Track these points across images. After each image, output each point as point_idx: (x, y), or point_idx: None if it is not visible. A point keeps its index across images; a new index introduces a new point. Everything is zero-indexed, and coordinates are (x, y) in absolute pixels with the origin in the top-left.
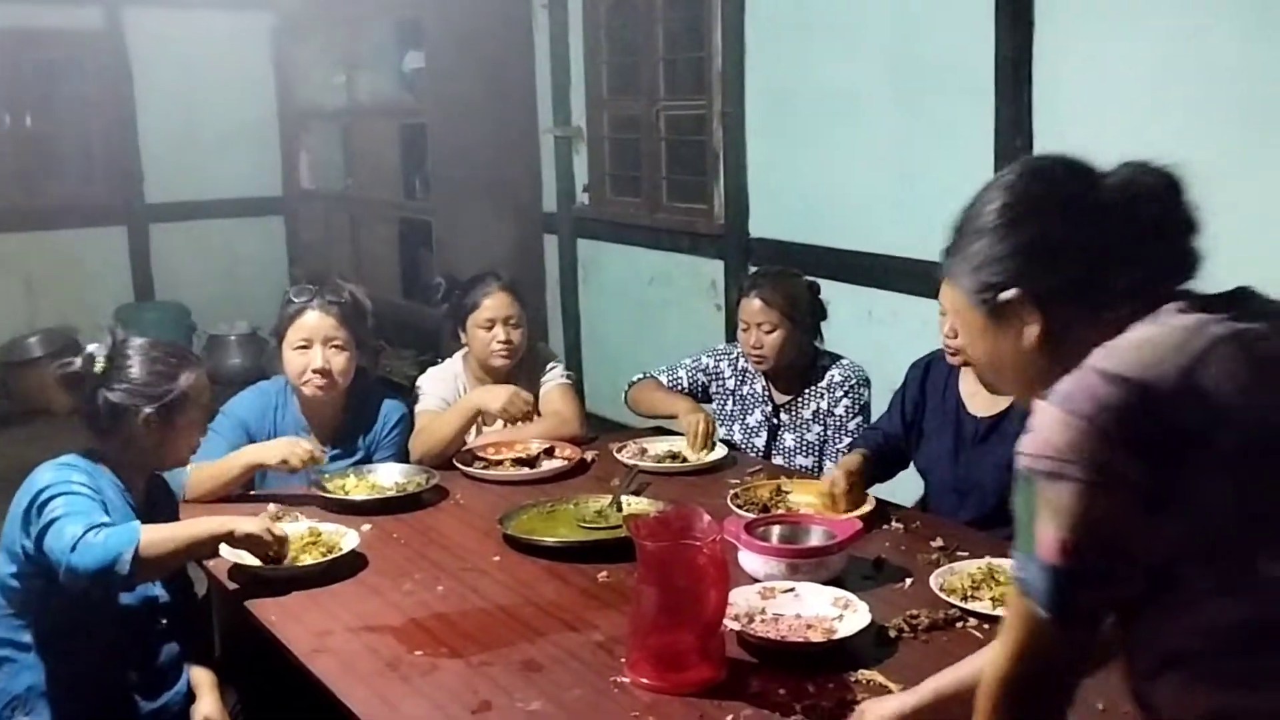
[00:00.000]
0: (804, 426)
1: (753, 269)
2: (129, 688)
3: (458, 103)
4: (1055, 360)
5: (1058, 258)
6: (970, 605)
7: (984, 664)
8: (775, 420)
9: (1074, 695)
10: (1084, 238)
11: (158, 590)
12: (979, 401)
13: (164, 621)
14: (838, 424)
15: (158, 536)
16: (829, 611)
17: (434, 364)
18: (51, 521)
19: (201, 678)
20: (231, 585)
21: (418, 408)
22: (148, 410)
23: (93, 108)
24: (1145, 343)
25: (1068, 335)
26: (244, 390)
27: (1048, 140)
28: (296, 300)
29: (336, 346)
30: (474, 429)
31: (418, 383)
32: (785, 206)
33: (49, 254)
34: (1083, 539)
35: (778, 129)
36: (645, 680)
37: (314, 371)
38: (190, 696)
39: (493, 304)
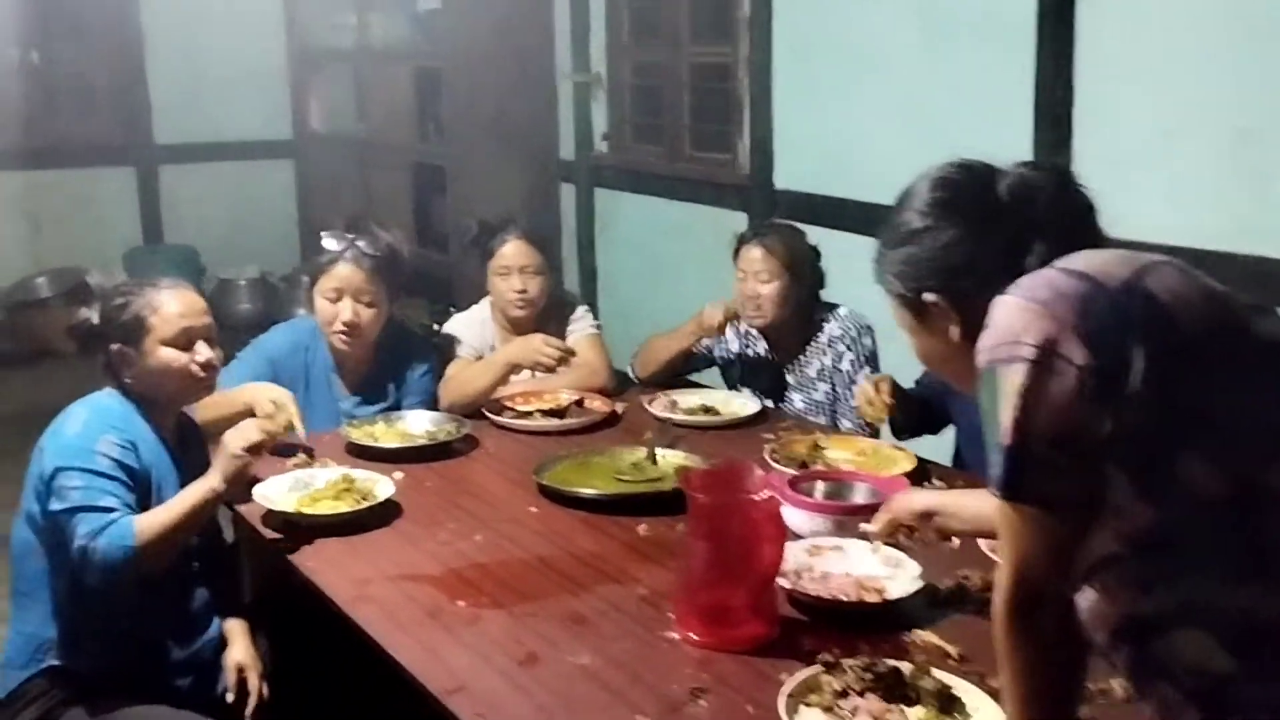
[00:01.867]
0: (810, 385)
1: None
2: (161, 633)
3: (473, 46)
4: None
5: (966, 260)
6: None
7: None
8: (781, 382)
9: (1072, 614)
10: (986, 238)
11: None
12: None
13: (196, 565)
14: (845, 379)
15: (153, 528)
16: (879, 570)
17: (446, 313)
18: (63, 511)
19: (233, 624)
20: (267, 533)
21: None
22: (115, 346)
23: (101, 45)
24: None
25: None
26: (274, 327)
27: (1089, 92)
28: (330, 248)
29: (366, 301)
30: None
31: (445, 327)
32: (812, 158)
33: (57, 193)
34: (1031, 418)
35: (805, 78)
36: (694, 636)
37: (342, 323)
38: (222, 643)
39: (510, 251)
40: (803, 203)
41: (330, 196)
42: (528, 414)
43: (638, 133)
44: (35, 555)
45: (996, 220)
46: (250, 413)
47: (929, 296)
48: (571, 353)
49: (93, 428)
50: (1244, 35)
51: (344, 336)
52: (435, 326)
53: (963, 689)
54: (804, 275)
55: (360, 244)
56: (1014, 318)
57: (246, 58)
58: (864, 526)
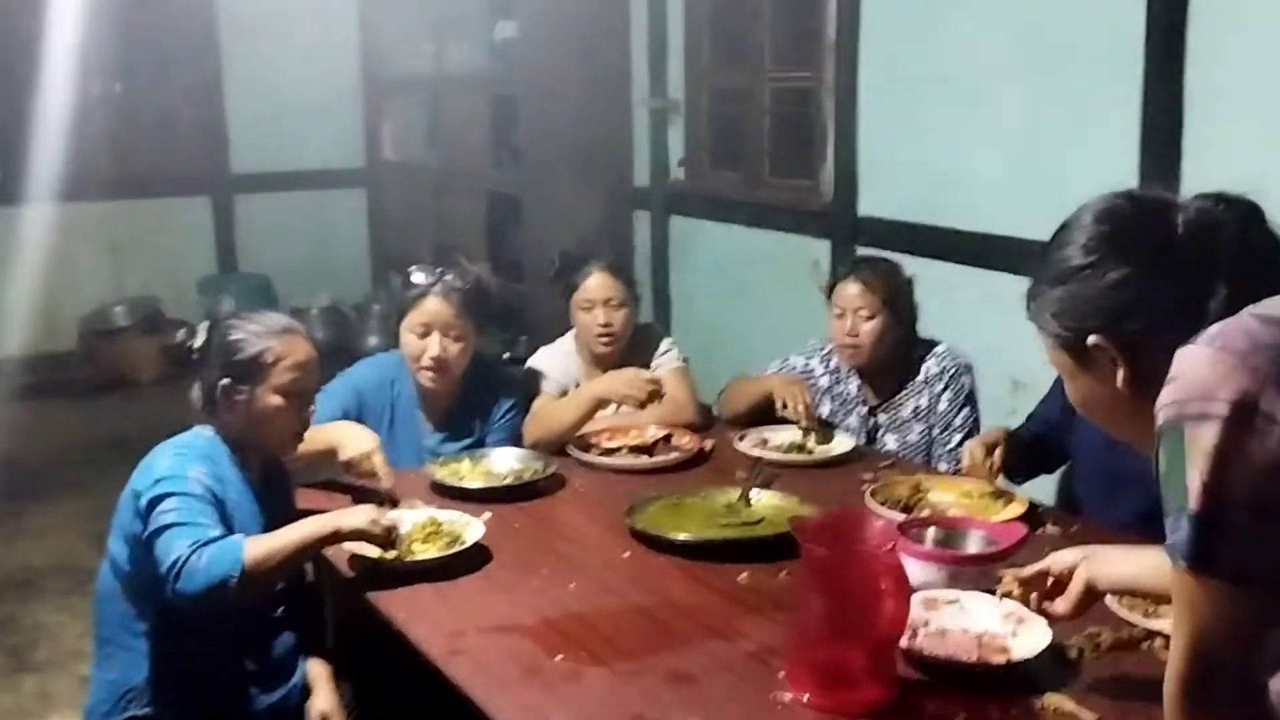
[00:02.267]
0: (905, 427)
1: (859, 250)
2: (246, 679)
3: (549, 73)
4: (1149, 399)
5: (1136, 301)
6: (1153, 624)
7: None
8: (873, 421)
9: (1260, 701)
10: (1160, 277)
11: None
12: None
13: (281, 610)
14: (942, 420)
15: (262, 551)
16: (1000, 627)
17: (515, 342)
18: (161, 529)
19: (318, 670)
20: (350, 575)
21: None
22: (224, 381)
23: (180, 75)
24: None
25: (1159, 375)
26: (362, 360)
27: (1200, 121)
28: (419, 283)
29: (454, 336)
30: None
31: (530, 361)
32: (898, 185)
33: (135, 222)
34: (1226, 480)
35: (892, 103)
36: (808, 697)
37: (431, 358)
38: (306, 690)
39: (593, 284)
40: (888, 229)
41: (403, 225)
42: (614, 450)
43: (715, 159)
44: (118, 601)
45: (1171, 258)
46: (333, 453)
47: (1093, 339)
48: (660, 386)
49: (183, 460)
50: None
51: (431, 373)
52: (506, 355)
53: None
54: (903, 311)
55: (448, 278)
56: (1205, 371)
57: (322, 87)
58: (1005, 579)
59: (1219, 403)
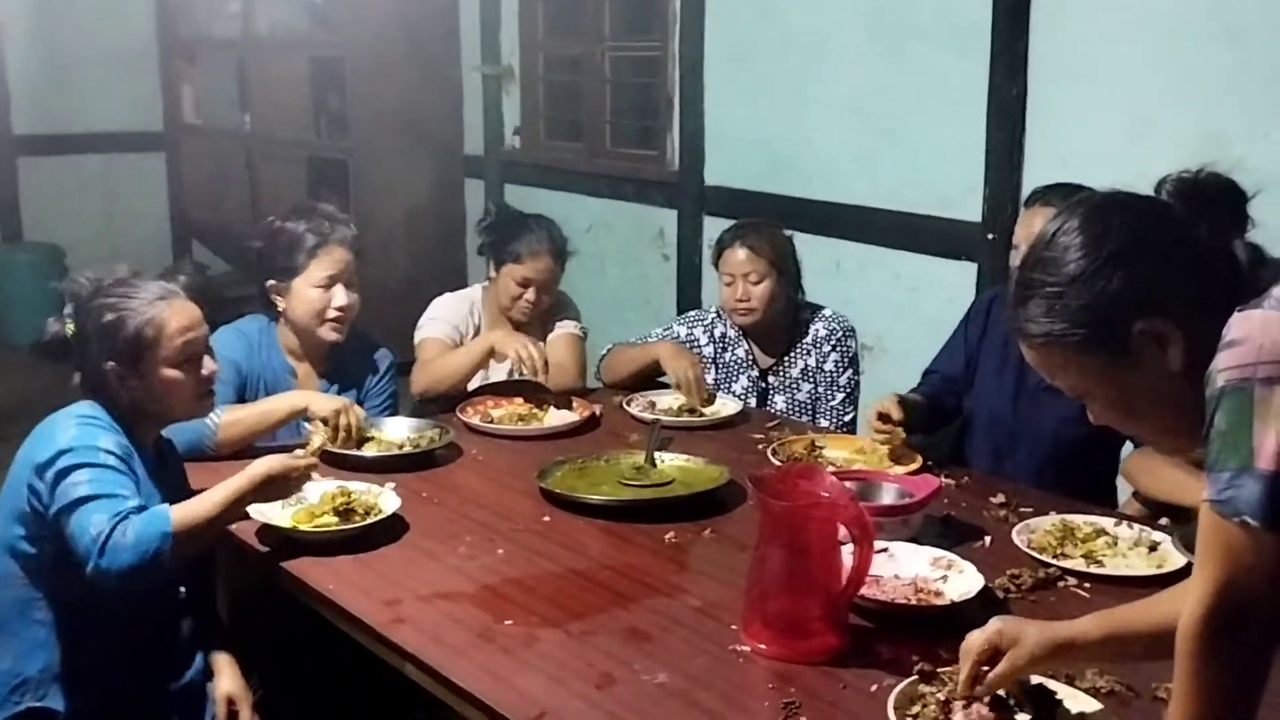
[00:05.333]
0: (793, 386)
1: (707, 217)
2: (149, 664)
3: (375, 36)
4: (1198, 385)
5: (1169, 277)
6: (1065, 563)
7: (1169, 609)
8: (763, 384)
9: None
10: (1181, 248)
11: None
12: None
13: (183, 590)
14: (828, 379)
15: (190, 515)
16: (930, 572)
17: None
18: (76, 502)
19: (220, 657)
20: (263, 549)
21: (422, 335)
22: (110, 365)
23: None
24: None
25: (1212, 341)
26: (218, 330)
27: (1042, 94)
28: (315, 233)
29: (355, 286)
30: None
31: (430, 307)
32: (746, 154)
33: None
34: None
35: (739, 74)
36: (764, 647)
37: (338, 308)
38: (209, 673)
39: (537, 266)
40: (735, 198)
41: (208, 191)
42: (501, 417)
43: (552, 127)
44: (14, 585)
45: (1181, 226)
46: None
47: (1140, 325)
48: (545, 369)
49: (88, 430)
50: (1205, 35)
51: (337, 324)
52: None
53: (1058, 689)
54: (790, 272)
55: (340, 225)
56: (1277, 333)
57: (112, 45)
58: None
59: None
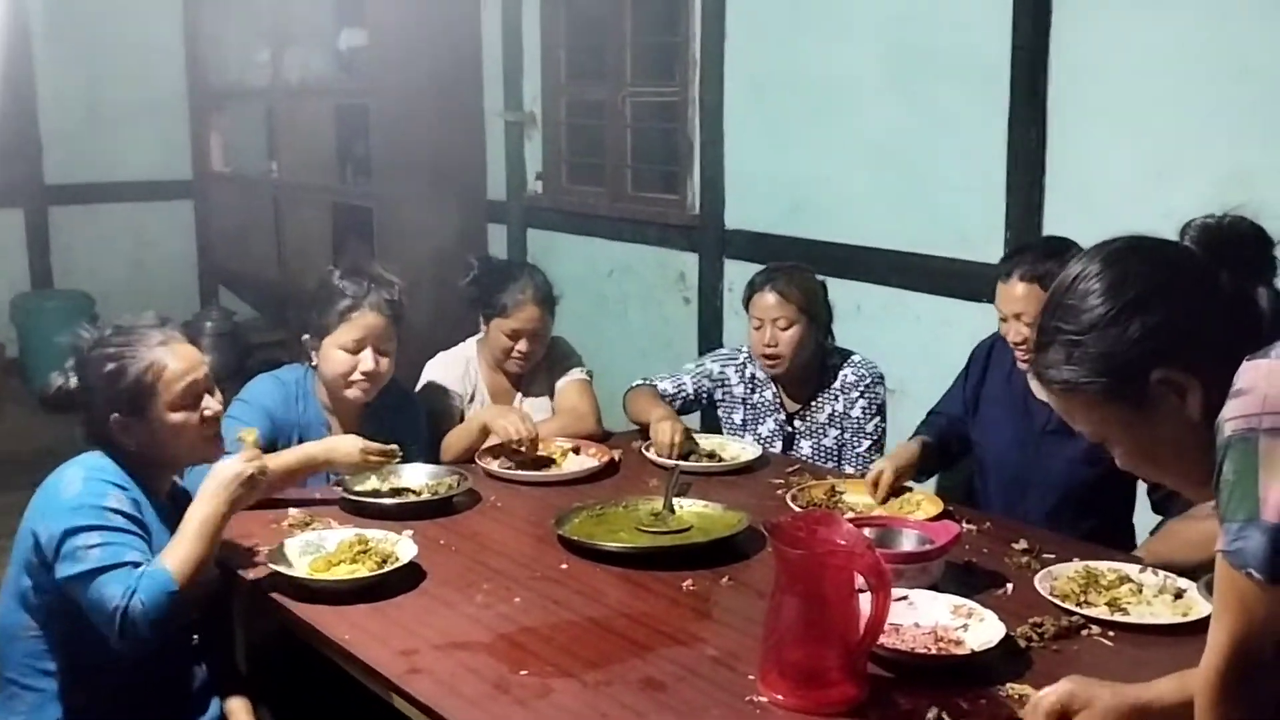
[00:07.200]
0: (820, 432)
1: (728, 260)
2: (163, 713)
3: (400, 84)
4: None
5: (1189, 326)
6: (1088, 611)
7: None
8: (790, 428)
9: None
10: (1203, 296)
11: None
12: None
13: (196, 638)
14: (855, 426)
15: (183, 560)
16: (950, 620)
17: None
18: (88, 574)
19: (235, 702)
20: (280, 598)
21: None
22: (114, 415)
23: None
24: None
25: (1229, 389)
26: (257, 378)
27: (1061, 135)
28: (350, 295)
29: (385, 350)
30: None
31: (426, 370)
32: (766, 198)
33: None
34: None
35: (759, 117)
36: (781, 698)
37: (364, 373)
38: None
39: (524, 317)
40: (756, 242)
41: (236, 239)
42: (522, 464)
43: (574, 172)
44: (25, 637)
45: (1203, 273)
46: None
47: (1158, 374)
48: (537, 440)
49: (95, 485)
50: (1223, 73)
51: (365, 387)
52: None
53: None
54: (819, 318)
55: (380, 289)
56: None
57: (142, 95)
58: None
59: None
